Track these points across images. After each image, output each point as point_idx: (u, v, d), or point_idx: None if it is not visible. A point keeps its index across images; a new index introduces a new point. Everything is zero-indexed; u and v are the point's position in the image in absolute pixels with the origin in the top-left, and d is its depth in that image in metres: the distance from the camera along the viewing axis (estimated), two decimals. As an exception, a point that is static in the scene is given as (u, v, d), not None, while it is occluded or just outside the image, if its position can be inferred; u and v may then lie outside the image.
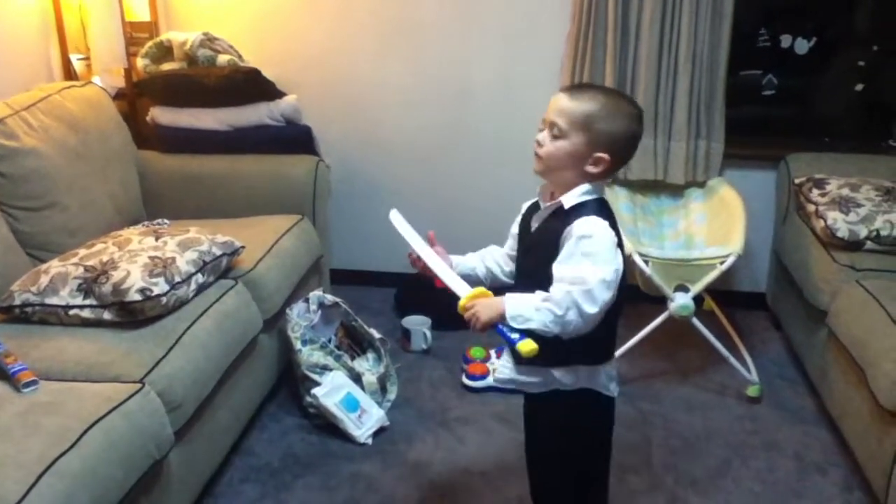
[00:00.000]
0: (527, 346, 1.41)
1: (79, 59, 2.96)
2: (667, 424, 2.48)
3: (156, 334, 1.95)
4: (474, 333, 1.55)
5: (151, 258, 2.09)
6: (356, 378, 2.45)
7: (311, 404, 2.40)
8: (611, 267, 1.47)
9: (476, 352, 2.74)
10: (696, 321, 2.59)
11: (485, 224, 3.23)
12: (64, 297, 2.01)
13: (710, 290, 2.71)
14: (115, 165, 2.71)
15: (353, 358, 2.55)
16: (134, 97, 3.02)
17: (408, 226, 1.81)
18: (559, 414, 1.67)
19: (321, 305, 2.57)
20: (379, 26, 3.08)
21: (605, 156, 1.51)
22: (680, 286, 2.60)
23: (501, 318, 1.45)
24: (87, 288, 2.01)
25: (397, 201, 3.22)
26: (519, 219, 1.73)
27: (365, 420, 2.37)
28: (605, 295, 1.45)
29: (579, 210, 1.51)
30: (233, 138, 2.91)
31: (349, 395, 2.38)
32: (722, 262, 2.53)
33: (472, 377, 2.63)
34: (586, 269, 1.44)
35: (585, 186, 1.54)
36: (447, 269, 1.67)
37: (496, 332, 1.46)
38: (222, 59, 2.94)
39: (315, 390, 2.35)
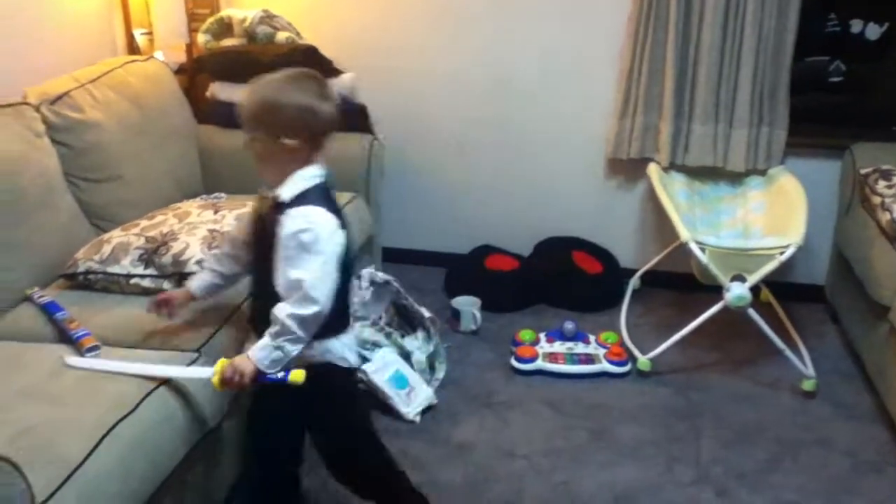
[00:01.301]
0: (296, 376, 1.55)
1: (142, 34, 3.01)
2: (717, 416, 2.44)
3: (212, 306, 1.98)
4: (243, 390, 1.63)
5: (210, 231, 2.13)
6: (405, 356, 2.47)
7: (360, 380, 2.42)
8: (320, 260, 1.53)
9: (525, 334, 2.74)
10: (751, 312, 2.54)
11: (538, 204, 3.24)
12: (125, 266, 2.06)
13: (767, 280, 2.65)
14: (174, 140, 2.76)
15: (402, 336, 2.56)
16: (194, 73, 3.06)
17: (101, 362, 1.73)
18: (312, 390, 1.62)
19: (373, 283, 2.59)
20: (430, 7, 3.07)
21: (290, 142, 1.55)
22: (736, 276, 2.55)
23: (260, 371, 1.55)
24: (147, 258, 2.06)
25: (452, 182, 3.27)
26: (254, 205, 1.73)
27: (413, 398, 2.39)
28: (323, 289, 1.53)
29: (297, 201, 1.56)
30: (290, 115, 2.93)
31: (398, 372, 2.40)
32: (781, 253, 2.47)
33: (520, 360, 2.63)
34: (299, 271, 1.52)
35: (304, 175, 1.58)
36: (172, 367, 1.70)
37: (264, 381, 1.56)
38: (280, 36, 2.96)
39: (365, 366, 2.37)
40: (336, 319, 1.64)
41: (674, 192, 2.85)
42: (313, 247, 1.54)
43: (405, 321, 2.67)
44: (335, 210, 1.62)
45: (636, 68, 2.89)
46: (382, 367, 2.40)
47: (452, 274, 3.18)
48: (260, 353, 1.56)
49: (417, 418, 2.37)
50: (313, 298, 1.53)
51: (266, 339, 1.56)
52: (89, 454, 1.43)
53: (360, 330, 2.47)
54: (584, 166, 3.13)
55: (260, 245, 1.66)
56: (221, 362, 1.58)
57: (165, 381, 1.67)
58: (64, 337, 1.85)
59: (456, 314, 2.87)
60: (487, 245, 3.23)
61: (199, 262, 2.01)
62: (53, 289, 2.10)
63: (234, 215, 2.25)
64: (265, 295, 1.63)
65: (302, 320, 1.54)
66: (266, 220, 1.62)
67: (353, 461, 1.81)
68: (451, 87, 3.15)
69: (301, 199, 1.58)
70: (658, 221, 3.10)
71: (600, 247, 3.17)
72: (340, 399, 1.77)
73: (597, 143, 3.07)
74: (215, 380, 1.58)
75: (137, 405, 1.58)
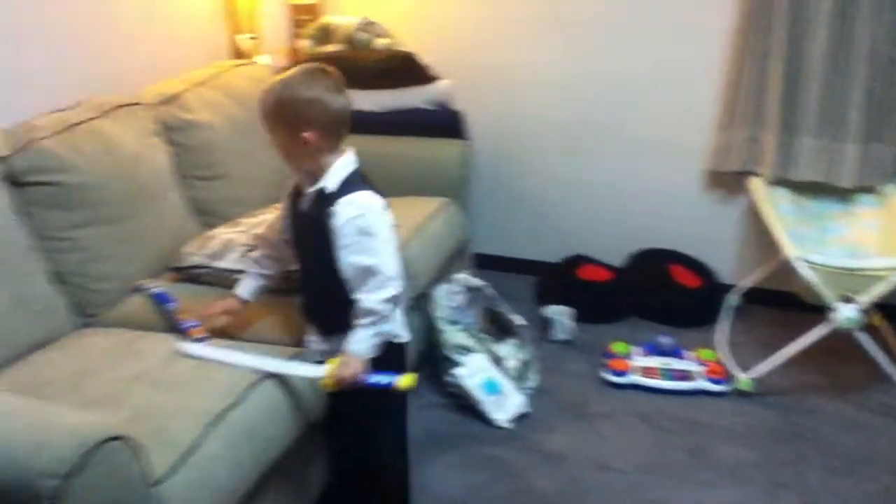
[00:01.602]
0: (406, 380, 1.62)
1: (247, 39, 3.10)
2: (823, 442, 2.33)
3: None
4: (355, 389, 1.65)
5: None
6: (497, 362, 2.45)
7: (452, 384, 2.42)
8: (382, 240, 1.61)
9: (618, 347, 2.68)
10: (860, 335, 2.42)
11: (635, 214, 3.18)
12: (231, 262, 2.11)
13: (876, 303, 2.52)
14: (277, 141, 2.82)
15: (495, 342, 2.54)
16: (297, 77, 3.12)
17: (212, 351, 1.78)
18: (375, 369, 1.69)
19: (466, 288, 2.58)
20: (535, 14, 3.05)
21: (307, 134, 1.59)
22: (843, 296, 2.44)
23: (365, 366, 1.62)
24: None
25: (546, 189, 3.24)
26: (287, 203, 1.79)
27: (505, 404, 2.37)
28: (394, 266, 1.62)
29: (342, 190, 1.62)
30: (386, 120, 2.97)
31: (490, 378, 2.38)
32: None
33: (613, 372, 2.57)
34: (367, 257, 1.59)
35: (342, 162, 1.65)
36: (283, 362, 1.73)
37: (370, 387, 1.62)
38: (379, 42, 3.01)
39: (457, 370, 2.37)
40: None
41: (778, 207, 2.75)
42: (372, 229, 1.61)
43: (497, 328, 2.65)
44: (377, 191, 1.68)
45: (741, 79, 2.81)
46: (474, 372, 2.39)
47: (543, 282, 3.15)
48: (358, 346, 1.62)
49: (510, 425, 2.35)
50: (390, 278, 1.61)
51: (360, 333, 1.62)
52: (200, 439, 1.47)
53: (452, 335, 2.47)
54: (685, 177, 3.05)
55: (307, 240, 1.72)
56: (332, 362, 1.62)
57: (273, 375, 1.70)
58: (173, 326, 1.91)
59: (548, 323, 2.84)
60: (580, 254, 3.19)
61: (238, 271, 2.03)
62: (163, 280, 2.18)
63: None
64: (317, 285, 1.73)
65: (386, 301, 1.62)
66: (310, 214, 1.67)
67: (376, 433, 1.83)
68: (549, 94, 3.12)
69: (345, 186, 1.64)
70: (759, 236, 3.00)
71: (698, 261, 3.09)
72: (394, 371, 1.79)
73: (698, 155, 3.00)
74: (327, 381, 1.62)
75: (245, 395, 1.61)
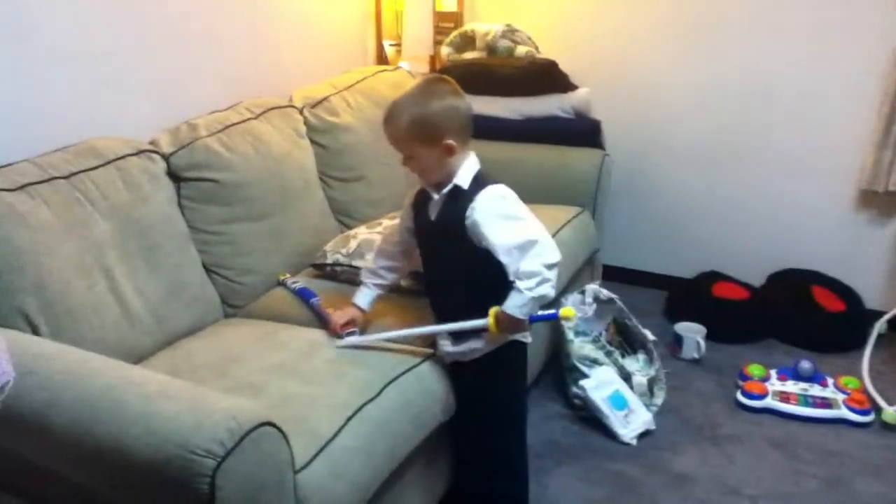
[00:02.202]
0: (567, 312, 1.69)
1: (391, 45, 3.20)
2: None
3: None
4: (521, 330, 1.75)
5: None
6: (625, 377, 2.41)
7: (577, 395, 2.40)
8: (531, 219, 1.65)
9: (754, 369, 2.58)
10: None
11: (775, 232, 3.05)
12: (369, 261, 2.18)
13: None
14: (414, 146, 2.89)
15: (623, 356, 2.51)
16: (436, 83, 3.19)
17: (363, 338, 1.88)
18: (500, 369, 1.80)
19: (596, 299, 2.56)
20: (679, 23, 2.98)
21: (449, 141, 1.64)
22: None
23: (523, 322, 1.67)
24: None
25: (681, 202, 3.16)
26: (411, 213, 1.83)
27: (631, 420, 2.33)
28: (550, 238, 1.64)
29: (476, 186, 1.66)
30: (523, 127, 2.98)
31: (617, 392, 2.35)
32: None
33: (748, 395, 2.48)
34: (520, 233, 1.61)
35: (468, 163, 1.68)
36: (443, 325, 1.78)
37: (536, 320, 1.69)
38: (520, 50, 3.03)
39: (583, 382, 2.35)
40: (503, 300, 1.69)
41: None
42: (517, 213, 1.66)
43: (626, 341, 2.61)
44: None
45: (901, 95, 2.65)
46: (601, 385, 2.35)
47: (675, 298, 3.07)
48: (515, 309, 1.63)
49: (634, 441, 2.31)
50: (549, 247, 1.63)
51: (517, 297, 1.62)
52: (339, 430, 1.52)
53: (580, 345, 2.45)
54: (832, 196, 2.90)
55: (441, 243, 1.75)
56: (494, 309, 1.65)
57: (410, 369, 1.77)
58: (320, 319, 1.99)
59: (678, 340, 2.76)
60: (714, 271, 3.09)
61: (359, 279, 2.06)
62: (303, 276, 2.27)
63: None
64: (450, 288, 1.77)
65: (549, 266, 1.62)
66: (445, 215, 1.70)
67: (502, 436, 1.86)
68: (689, 104, 3.05)
69: (477, 182, 1.68)
70: (914, 261, 2.82)
71: (843, 283, 2.92)
72: (515, 372, 1.86)
73: (848, 173, 2.84)
74: (491, 325, 1.66)
75: (381, 390, 1.66)
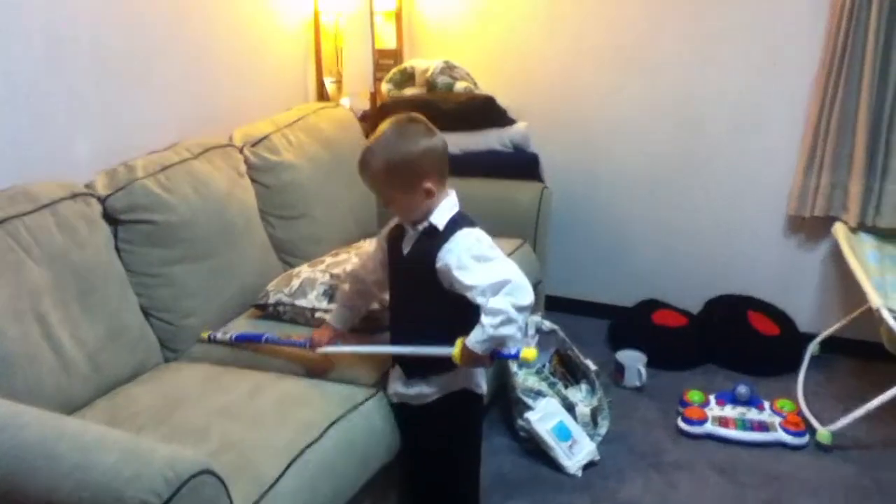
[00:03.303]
0: (528, 354, 1.64)
1: (331, 82, 3.21)
2: (910, 500, 2.24)
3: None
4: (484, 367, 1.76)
5: (390, 271, 2.21)
6: (569, 407, 2.44)
7: (522, 428, 2.42)
8: (504, 260, 1.64)
9: (694, 395, 2.64)
10: (951, 389, 2.32)
11: (711, 259, 3.14)
12: (311, 300, 2.17)
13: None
14: (356, 182, 2.80)
15: (566, 387, 2.54)
16: (377, 119, 3.21)
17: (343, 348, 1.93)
18: (449, 416, 1.79)
19: (539, 331, 2.59)
20: (613, 56, 3.07)
21: (428, 185, 1.64)
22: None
23: (491, 355, 1.65)
24: (331, 294, 2.17)
25: (620, 232, 3.24)
26: (384, 245, 1.83)
27: (576, 451, 2.35)
28: (526, 280, 1.61)
29: (452, 226, 1.65)
30: (463, 162, 3.00)
31: (561, 423, 2.38)
32: None
33: (688, 421, 2.53)
34: (494, 273, 1.60)
35: (448, 202, 1.68)
36: (413, 347, 1.76)
37: (499, 357, 1.68)
38: (459, 85, 3.08)
39: (528, 414, 2.37)
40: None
41: (863, 255, 2.68)
42: (492, 254, 1.65)
43: (569, 371, 2.64)
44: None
45: (823, 125, 2.76)
46: (546, 417, 2.38)
47: (616, 326, 3.13)
48: (475, 344, 1.63)
49: (579, 472, 2.33)
50: (522, 286, 1.61)
51: (479, 331, 1.61)
52: (281, 475, 1.51)
53: (524, 377, 2.47)
54: (764, 222, 3.01)
55: (410, 280, 1.75)
56: (460, 342, 1.64)
57: (355, 408, 1.78)
58: (292, 346, 2.00)
59: (620, 368, 2.81)
60: (654, 299, 3.16)
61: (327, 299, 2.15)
62: (246, 318, 2.25)
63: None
64: (411, 325, 1.76)
65: (518, 308, 1.59)
66: (417, 252, 1.70)
67: (454, 486, 1.87)
68: (625, 137, 3.13)
69: (455, 223, 1.67)
70: (842, 284, 2.93)
71: (777, 308, 3.02)
72: (466, 423, 1.86)
73: (777, 200, 2.95)
74: (455, 354, 1.66)
75: (325, 431, 1.66)
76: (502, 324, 1.59)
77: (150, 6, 2.34)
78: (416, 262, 1.70)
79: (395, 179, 1.65)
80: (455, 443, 1.84)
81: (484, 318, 1.60)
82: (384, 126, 1.71)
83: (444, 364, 1.70)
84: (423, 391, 1.78)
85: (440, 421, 1.80)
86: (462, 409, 1.81)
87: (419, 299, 1.73)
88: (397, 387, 1.82)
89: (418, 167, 1.64)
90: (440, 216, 1.67)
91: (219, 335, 2.13)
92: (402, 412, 1.85)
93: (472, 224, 1.69)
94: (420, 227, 1.70)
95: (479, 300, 1.60)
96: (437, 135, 1.69)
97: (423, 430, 1.84)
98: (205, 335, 2.14)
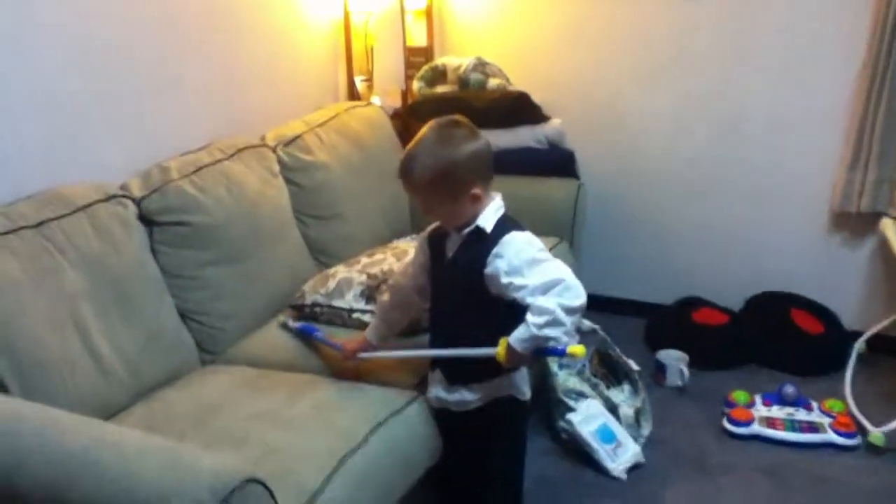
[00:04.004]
0: (576, 350, 1.56)
1: (362, 81, 3.18)
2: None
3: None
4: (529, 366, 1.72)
5: (427, 271, 2.17)
6: (612, 409, 2.39)
7: (564, 429, 2.37)
8: (557, 262, 1.57)
9: (739, 396, 2.56)
10: None
11: (750, 256, 3.06)
12: (348, 300, 2.14)
13: None
14: (388, 181, 2.85)
15: (608, 387, 2.48)
16: (408, 117, 3.18)
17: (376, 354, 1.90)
18: (492, 424, 1.73)
19: (579, 330, 2.53)
20: (649, 52, 3.00)
21: (476, 190, 1.57)
22: None
23: (536, 352, 1.57)
24: (368, 294, 2.13)
25: (657, 229, 3.17)
26: (426, 248, 1.76)
27: (620, 453, 2.29)
28: (578, 282, 1.54)
29: (499, 230, 1.58)
30: (498, 159, 2.87)
31: (605, 425, 2.32)
32: None
33: (734, 422, 2.46)
34: (547, 274, 1.53)
35: (493, 205, 1.61)
36: (454, 350, 1.70)
37: (545, 355, 1.63)
38: (492, 82, 3.03)
39: (570, 416, 2.32)
40: None
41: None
42: (542, 255, 1.57)
43: (610, 372, 2.59)
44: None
45: (869, 120, 2.67)
46: (588, 419, 2.32)
47: (655, 325, 3.06)
48: (518, 343, 1.55)
49: (624, 475, 2.27)
50: (575, 288, 1.53)
51: (524, 330, 1.54)
52: (324, 483, 1.47)
53: (564, 378, 2.42)
54: (807, 218, 2.92)
55: (455, 283, 1.67)
56: (504, 341, 1.57)
57: (397, 412, 1.73)
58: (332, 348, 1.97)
59: (661, 368, 2.75)
60: (693, 297, 3.09)
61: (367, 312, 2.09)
62: (282, 318, 2.22)
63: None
64: (454, 330, 1.69)
65: (566, 309, 1.51)
66: (463, 257, 1.63)
67: (494, 495, 1.81)
68: (662, 133, 3.06)
69: (502, 226, 1.61)
70: (888, 281, 2.84)
71: (821, 305, 2.94)
72: (512, 432, 1.80)
73: (821, 196, 2.87)
74: (500, 353, 1.59)
75: (367, 437, 1.62)
76: (548, 324, 1.52)
77: (181, 9, 2.32)
78: (462, 267, 1.63)
79: (441, 188, 1.57)
80: (498, 451, 1.78)
81: (529, 317, 1.53)
82: (426, 131, 1.63)
83: (488, 370, 1.64)
84: (465, 398, 1.72)
85: (483, 428, 1.74)
86: (506, 417, 1.75)
87: (464, 304, 1.65)
88: (438, 392, 1.77)
89: (464, 174, 1.57)
90: (487, 219, 1.60)
91: (289, 322, 2.13)
92: (442, 417, 1.80)
93: (520, 227, 1.62)
94: (465, 231, 1.62)
95: (529, 300, 1.54)
96: (481, 137, 1.62)
97: (464, 437, 1.78)
98: (283, 319, 2.16)
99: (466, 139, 1.59)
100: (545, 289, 1.53)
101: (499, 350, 1.59)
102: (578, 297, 1.53)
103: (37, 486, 1.25)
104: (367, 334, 1.89)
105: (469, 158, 1.57)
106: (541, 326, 1.52)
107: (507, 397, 1.73)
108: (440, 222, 1.70)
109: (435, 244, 1.73)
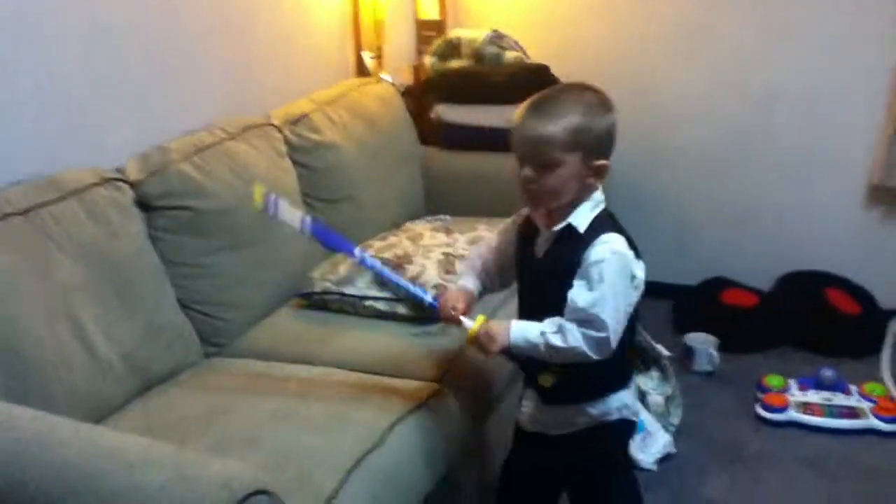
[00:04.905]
0: (545, 380, 1.45)
1: (371, 57, 3.03)
2: None
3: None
4: (488, 356, 1.48)
5: (445, 254, 2.05)
6: (640, 396, 2.26)
7: (591, 420, 2.24)
8: (614, 289, 1.35)
9: (773, 380, 2.44)
10: None
11: (781, 234, 2.92)
12: (361, 287, 2.02)
13: None
14: (402, 161, 2.74)
15: (636, 374, 2.35)
16: (421, 94, 3.04)
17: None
18: (596, 449, 1.53)
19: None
20: (676, 26, 2.86)
21: (603, 162, 1.40)
22: None
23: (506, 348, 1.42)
24: (382, 281, 2.00)
25: (682, 207, 3.02)
26: (514, 238, 1.55)
27: (650, 444, 2.18)
28: (615, 316, 1.35)
29: (594, 230, 1.40)
30: (516, 136, 2.83)
31: (634, 414, 2.20)
32: None
33: (768, 408, 2.34)
34: (592, 294, 1.34)
35: (591, 201, 1.43)
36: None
37: (511, 358, 1.49)
38: (509, 56, 2.89)
39: (597, 406, 2.19)
40: (616, 370, 1.48)
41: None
42: (610, 277, 1.35)
43: (638, 359, 2.46)
44: (629, 238, 1.44)
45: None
46: (616, 408, 2.20)
47: (682, 308, 2.93)
48: (518, 334, 1.40)
49: (655, 467, 2.16)
50: (602, 321, 1.34)
51: (535, 327, 1.39)
52: (340, 487, 1.36)
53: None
54: (842, 194, 2.78)
55: (543, 286, 1.48)
56: (480, 319, 1.44)
57: (414, 408, 1.60)
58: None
59: (689, 352, 2.62)
60: (721, 277, 2.95)
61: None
62: (291, 307, 2.11)
63: (466, 238, 2.17)
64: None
65: (585, 336, 1.35)
66: (553, 256, 1.44)
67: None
68: (689, 108, 2.93)
69: (598, 226, 1.41)
70: (928, 258, 2.71)
71: (857, 284, 2.80)
72: (622, 457, 1.63)
73: (857, 170, 2.74)
74: (470, 334, 1.44)
75: (385, 435, 1.50)
76: (554, 349, 1.36)
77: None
78: (553, 268, 1.43)
79: (579, 141, 1.36)
80: (619, 491, 1.60)
81: (547, 326, 1.37)
82: (565, 90, 1.46)
83: (591, 391, 1.47)
84: (574, 418, 1.51)
85: (583, 454, 1.55)
86: (612, 441, 1.56)
87: (553, 306, 1.41)
88: (534, 412, 1.57)
89: (605, 140, 1.40)
90: (581, 217, 1.40)
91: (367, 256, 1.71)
92: (535, 441, 1.59)
93: (618, 229, 1.43)
94: (555, 228, 1.42)
95: (568, 314, 1.37)
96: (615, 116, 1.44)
97: (573, 472, 1.58)
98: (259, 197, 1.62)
99: (609, 110, 1.43)
100: (581, 315, 1.35)
101: (474, 326, 1.43)
102: (600, 348, 1.36)
103: (33, 501, 1.14)
104: (462, 282, 1.60)
105: (610, 127, 1.42)
106: (547, 345, 1.37)
107: (621, 420, 1.52)
108: (534, 206, 1.47)
109: (523, 237, 1.53)
